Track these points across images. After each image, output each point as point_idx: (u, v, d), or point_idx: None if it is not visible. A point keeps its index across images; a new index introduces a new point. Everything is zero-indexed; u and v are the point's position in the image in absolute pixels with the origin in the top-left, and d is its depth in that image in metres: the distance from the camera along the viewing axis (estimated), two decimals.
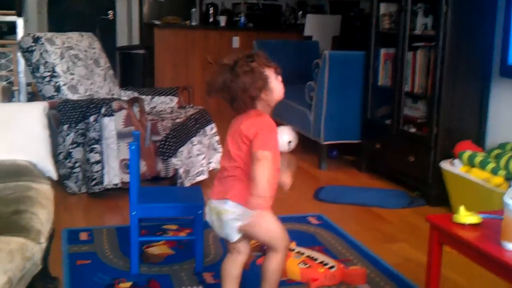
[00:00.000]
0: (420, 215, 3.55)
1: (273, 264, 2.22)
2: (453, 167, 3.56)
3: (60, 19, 8.05)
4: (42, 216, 2.09)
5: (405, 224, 3.45)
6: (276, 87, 2.17)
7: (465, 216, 1.99)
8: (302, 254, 2.78)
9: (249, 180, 2.07)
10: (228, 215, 2.12)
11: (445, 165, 3.62)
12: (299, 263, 2.67)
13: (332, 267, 2.66)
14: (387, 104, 4.30)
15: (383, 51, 4.37)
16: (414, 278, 2.67)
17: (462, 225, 1.98)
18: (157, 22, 7.28)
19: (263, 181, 2.04)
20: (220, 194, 2.15)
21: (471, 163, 3.47)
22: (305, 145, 5.12)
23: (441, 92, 3.69)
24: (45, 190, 2.33)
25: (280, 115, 5.41)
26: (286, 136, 5.45)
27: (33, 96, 5.09)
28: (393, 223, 3.46)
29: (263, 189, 2.03)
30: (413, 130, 4.04)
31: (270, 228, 2.19)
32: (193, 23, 7.43)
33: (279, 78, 2.21)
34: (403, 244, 3.14)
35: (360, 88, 4.57)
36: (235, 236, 2.16)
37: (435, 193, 3.76)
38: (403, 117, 4.11)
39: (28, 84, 5.40)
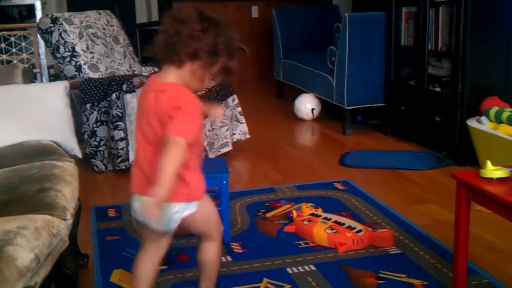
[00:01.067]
0: (448, 175, 3.46)
1: (214, 252, 1.99)
2: (480, 124, 3.49)
3: None
4: (67, 193, 2.11)
5: (432, 185, 3.41)
6: (206, 77, 1.78)
7: (492, 171, 1.94)
8: (329, 219, 2.76)
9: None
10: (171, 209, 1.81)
11: (472, 122, 3.55)
12: (326, 229, 2.66)
13: (359, 231, 2.64)
14: (411, 64, 4.22)
15: (404, 10, 4.27)
16: (444, 238, 2.64)
17: (490, 180, 1.93)
18: None
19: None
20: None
21: (498, 119, 3.39)
22: (328, 112, 5.08)
23: (465, 49, 3.61)
24: (69, 168, 2.35)
25: (302, 82, 5.37)
26: (308, 104, 5.48)
27: (56, 78, 5.13)
28: (420, 185, 3.42)
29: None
30: (438, 89, 3.97)
31: (209, 217, 1.94)
32: None
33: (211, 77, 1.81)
34: (431, 205, 3.11)
35: (382, 49, 4.48)
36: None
37: (463, 152, 3.70)
38: (428, 76, 4.03)
39: (50, 67, 5.45)
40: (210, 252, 1.99)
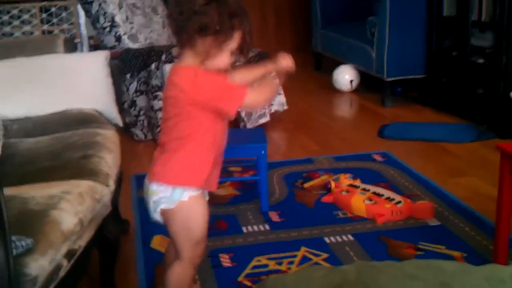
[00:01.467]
0: (490, 148, 3.43)
1: (173, 275, 1.79)
2: None
3: None
4: (110, 160, 2.15)
5: (474, 158, 3.36)
6: (224, 54, 1.68)
7: None
8: (368, 190, 2.75)
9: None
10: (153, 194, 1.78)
11: None
12: (364, 200, 2.65)
13: (398, 202, 2.63)
14: (453, 35, 4.13)
15: None
16: (484, 211, 2.61)
17: None
18: None
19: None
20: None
21: None
22: (367, 83, 5.02)
23: (510, 19, 3.51)
24: (111, 136, 2.39)
25: (340, 54, 5.31)
26: (347, 75, 5.42)
27: (96, 48, 5.17)
28: (461, 157, 3.37)
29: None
30: (481, 61, 3.87)
31: (189, 225, 1.76)
32: None
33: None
34: (472, 178, 3.06)
35: (424, 20, 4.38)
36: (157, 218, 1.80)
37: (506, 125, 3.62)
38: (470, 47, 3.93)
39: (90, 37, 5.49)
40: (174, 271, 1.79)
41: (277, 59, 1.90)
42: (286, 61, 1.89)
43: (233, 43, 1.67)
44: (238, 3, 1.68)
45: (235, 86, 1.74)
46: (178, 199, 1.72)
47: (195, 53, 1.67)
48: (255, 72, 1.94)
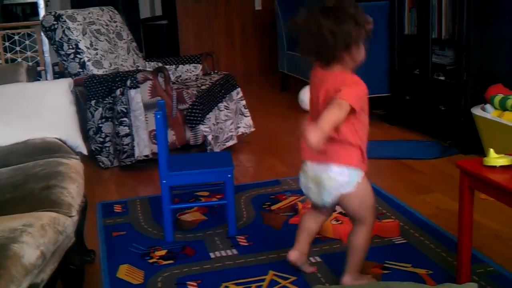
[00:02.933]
0: (453, 164, 3.44)
1: (359, 239, 2.11)
2: (485, 112, 3.48)
3: None
4: (73, 190, 2.13)
5: (438, 174, 3.41)
6: (361, 51, 2.02)
7: (495, 159, 1.94)
8: (334, 211, 2.76)
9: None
10: (332, 183, 2.02)
11: (476, 110, 3.55)
12: (331, 220, 2.66)
13: None
14: (415, 53, 4.21)
15: None
16: (449, 227, 2.65)
17: (493, 168, 1.93)
18: None
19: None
20: (322, 157, 2.01)
21: (502, 107, 3.38)
22: None
23: (468, 36, 3.60)
24: (75, 165, 2.36)
25: (306, 74, 5.36)
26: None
27: (61, 75, 5.14)
28: (426, 174, 3.42)
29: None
30: (442, 77, 3.96)
31: (366, 199, 2.08)
32: None
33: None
34: (436, 194, 3.11)
35: (386, 39, 4.48)
36: (330, 202, 2.09)
37: (468, 140, 3.69)
38: (432, 65, 4.02)
39: (55, 64, 5.46)
40: (359, 236, 2.11)
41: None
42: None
43: (362, 38, 2.00)
44: (356, 6, 1.99)
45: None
46: (357, 180, 2.01)
47: (342, 65, 1.99)
48: None
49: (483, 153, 3.45)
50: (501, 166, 1.94)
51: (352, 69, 2.02)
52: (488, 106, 3.50)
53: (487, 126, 3.43)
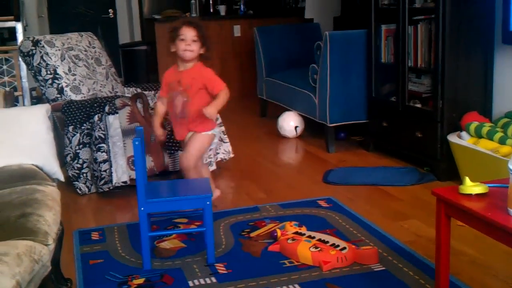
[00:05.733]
0: (431, 190, 3.50)
1: None
2: (461, 140, 3.53)
3: (61, 21, 8.07)
4: (49, 218, 2.10)
5: (415, 201, 3.43)
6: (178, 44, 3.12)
7: (471, 187, 1.97)
8: (313, 238, 2.77)
9: None
10: None
11: (452, 138, 3.59)
12: (310, 247, 2.66)
13: (343, 248, 2.65)
14: (391, 81, 4.27)
15: (384, 27, 4.33)
16: (427, 254, 2.66)
17: (469, 196, 1.96)
18: (157, 17, 7.27)
19: None
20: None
21: (478, 134, 3.43)
22: (312, 129, 5.11)
23: (444, 65, 3.66)
24: (51, 192, 2.34)
25: (285, 100, 5.40)
26: (292, 122, 5.50)
27: (38, 100, 5.11)
28: (403, 201, 3.45)
29: None
30: (418, 105, 4.01)
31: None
32: (193, 15, 7.41)
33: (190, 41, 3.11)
34: (414, 220, 3.13)
35: (363, 67, 4.53)
36: None
37: (445, 167, 3.73)
38: (408, 93, 4.07)
39: (33, 89, 5.43)
40: None
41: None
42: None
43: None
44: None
45: None
46: None
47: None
48: None
49: (460, 180, 3.50)
50: (476, 194, 1.97)
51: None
52: (464, 134, 3.55)
53: (463, 153, 3.48)
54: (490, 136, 3.34)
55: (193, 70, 3.18)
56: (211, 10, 7.67)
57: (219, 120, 4.23)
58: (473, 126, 3.48)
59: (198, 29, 3.15)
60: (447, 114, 3.71)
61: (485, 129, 3.39)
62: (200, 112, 3.08)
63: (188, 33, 3.12)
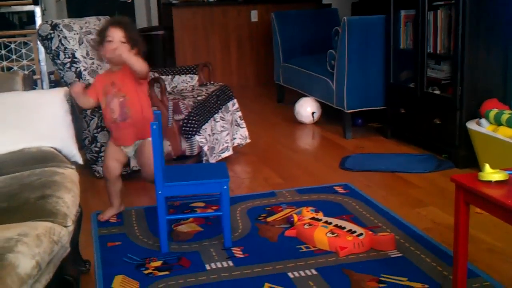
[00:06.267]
0: (448, 178, 3.45)
1: None
2: (480, 127, 3.50)
3: (79, 5, 8.10)
4: (68, 200, 2.12)
5: (433, 188, 3.41)
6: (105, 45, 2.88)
7: (491, 174, 1.95)
8: (330, 223, 2.77)
9: None
10: None
11: (471, 125, 3.56)
12: (327, 233, 2.66)
13: (360, 234, 2.65)
14: (410, 67, 4.23)
15: (403, 13, 4.28)
16: (444, 241, 2.65)
17: (488, 183, 1.94)
18: (174, 2, 7.25)
19: None
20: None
21: (497, 121, 3.40)
22: (329, 115, 5.09)
23: (464, 51, 3.61)
24: (70, 174, 2.36)
25: (302, 86, 5.38)
26: (309, 108, 5.48)
27: (56, 84, 5.14)
28: (421, 188, 3.43)
29: None
30: (437, 92, 3.97)
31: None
32: (211, 0, 7.39)
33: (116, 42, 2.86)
34: (432, 207, 3.11)
35: (381, 53, 4.50)
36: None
37: (463, 154, 3.71)
38: (427, 79, 4.03)
39: (51, 73, 5.46)
40: None
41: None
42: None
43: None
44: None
45: None
46: None
47: None
48: None
49: (479, 167, 3.47)
50: (496, 181, 1.95)
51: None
52: (483, 121, 3.52)
53: (482, 140, 3.45)
54: (509, 124, 3.30)
55: (125, 69, 2.92)
56: None
57: (236, 105, 4.23)
58: (492, 113, 3.44)
59: (126, 29, 2.89)
60: (466, 101, 3.68)
61: (504, 116, 3.35)
62: (143, 112, 2.95)
63: (116, 34, 2.87)
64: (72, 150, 2.79)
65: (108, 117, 2.99)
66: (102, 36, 2.91)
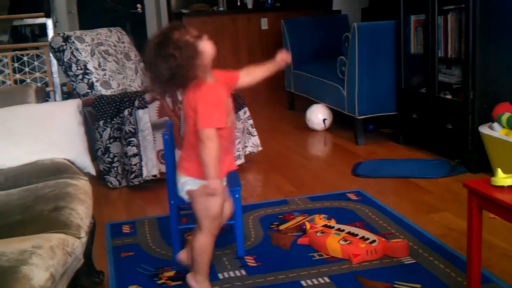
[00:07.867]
0: (461, 183, 3.45)
1: (196, 242, 2.31)
2: (492, 131, 3.48)
3: (90, 17, 8.17)
4: (81, 211, 2.13)
5: (446, 193, 3.40)
6: (205, 48, 2.21)
7: (504, 178, 1.94)
8: (343, 230, 2.76)
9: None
10: (181, 179, 2.28)
11: (484, 129, 3.54)
12: (339, 240, 2.66)
13: (373, 241, 2.64)
14: (421, 72, 4.22)
15: (413, 18, 4.28)
16: (458, 247, 2.63)
17: (501, 188, 1.93)
18: (185, 11, 7.30)
19: (211, 163, 2.10)
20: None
21: (510, 125, 3.38)
22: (341, 121, 5.09)
23: (475, 55, 3.60)
24: (83, 186, 2.37)
25: (313, 93, 5.38)
26: (320, 114, 5.48)
27: (69, 95, 5.20)
28: (434, 193, 3.41)
29: (214, 172, 2.11)
30: (449, 96, 3.96)
31: (208, 205, 2.24)
32: (221, 8, 7.42)
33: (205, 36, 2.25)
34: (445, 213, 3.09)
35: (392, 58, 4.49)
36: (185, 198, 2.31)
37: (476, 159, 3.68)
38: (438, 84, 4.02)
39: (63, 84, 5.52)
40: (195, 239, 2.30)
41: (275, 57, 2.43)
42: (282, 56, 2.42)
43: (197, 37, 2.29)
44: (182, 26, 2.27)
45: None
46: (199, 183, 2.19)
47: (196, 79, 2.17)
48: (259, 69, 2.55)
49: (492, 172, 3.44)
50: (509, 186, 1.94)
51: (207, 70, 2.20)
52: (495, 125, 3.50)
53: (495, 144, 3.43)
54: None
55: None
56: (238, 3, 7.69)
57: (247, 114, 4.24)
58: (505, 117, 3.42)
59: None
60: (478, 105, 3.66)
61: None
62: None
63: None
64: (85, 161, 2.81)
65: (224, 140, 2.21)
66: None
